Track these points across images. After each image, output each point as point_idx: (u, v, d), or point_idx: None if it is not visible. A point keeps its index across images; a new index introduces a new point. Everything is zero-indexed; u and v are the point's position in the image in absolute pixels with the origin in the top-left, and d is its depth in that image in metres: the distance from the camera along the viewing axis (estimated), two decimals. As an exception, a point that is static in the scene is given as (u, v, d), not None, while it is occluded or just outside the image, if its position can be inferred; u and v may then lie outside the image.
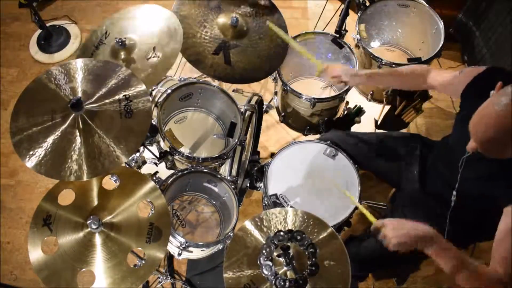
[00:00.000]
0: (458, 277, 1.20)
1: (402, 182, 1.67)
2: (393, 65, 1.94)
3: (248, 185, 1.92)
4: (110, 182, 1.40)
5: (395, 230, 1.21)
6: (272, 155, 1.73)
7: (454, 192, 1.34)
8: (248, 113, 1.80)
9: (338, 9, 2.23)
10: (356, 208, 1.60)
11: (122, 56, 1.60)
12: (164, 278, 1.96)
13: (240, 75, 1.75)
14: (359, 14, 2.09)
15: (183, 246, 1.56)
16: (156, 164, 1.75)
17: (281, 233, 1.19)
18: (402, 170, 1.67)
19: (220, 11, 1.78)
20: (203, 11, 1.76)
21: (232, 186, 1.70)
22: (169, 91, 1.72)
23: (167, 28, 1.61)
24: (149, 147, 1.68)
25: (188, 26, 1.71)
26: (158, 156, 1.68)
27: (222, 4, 1.79)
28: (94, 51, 1.64)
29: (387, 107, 2.16)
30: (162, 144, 1.73)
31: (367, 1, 2.09)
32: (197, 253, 1.67)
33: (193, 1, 1.75)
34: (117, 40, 1.57)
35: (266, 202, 1.66)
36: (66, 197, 1.33)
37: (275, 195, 1.61)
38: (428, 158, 1.62)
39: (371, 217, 1.33)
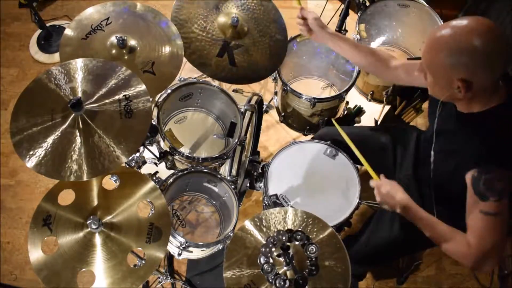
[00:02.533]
0: (431, 231, 1.29)
1: (396, 169, 1.69)
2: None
3: (248, 185, 1.93)
4: (110, 182, 1.40)
5: (383, 195, 1.39)
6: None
7: (432, 166, 1.37)
8: (248, 113, 1.80)
9: (338, 9, 2.23)
10: (356, 207, 1.60)
11: (113, 51, 1.55)
12: (164, 278, 1.96)
13: (245, 75, 1.75)
14: (359, 14, 2.09)
15: (183, 246, 1.56)
16: (156, 164, 1.75)
17: (281, 233, 1.19)
18: (397, 159, 1.69)
19: (219, 11, 1.76)
20: (202, 12, 1.74)
21: (232, 186, 1.70)
22: (169, 91, 1.72)
23: (169, 49, 1.59)
24: (149, 147, 1.68)
25: (189, 30, 1.70)
26: (158, 156, 1.68)
27: (220, 4, 1.78)
28: (90, 33, 1.57)
29: (387, 107, 2.16)
30: (162, 144, 1.73)
31: (367, 1, 2.09)
32: (197, 253, 1.67)
33: (191, 3, 1.73)
34: (117, 37, 1.53)
35: (266, 202, 1.66)
36: (66, 197, 1.33)
37: (275, 195, 1.61)
38: (421, 147, 1.63)
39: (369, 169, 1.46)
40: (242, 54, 1.74)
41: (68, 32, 1.57)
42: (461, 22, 1.09)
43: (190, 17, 1.71)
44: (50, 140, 1.27)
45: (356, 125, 2.10)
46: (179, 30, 1.64)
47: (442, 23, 2.02)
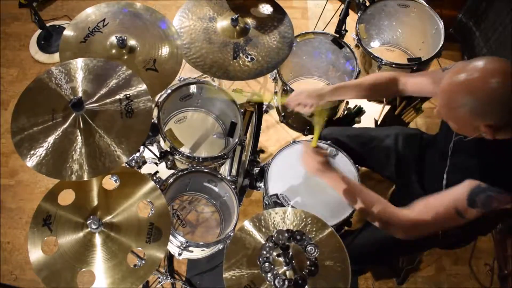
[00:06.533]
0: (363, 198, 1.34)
1: (399, 176, 1.67)
2: (393, 65, 1.95)
3: (248, 185, 1.93)
4: (110, 182, 1.40)
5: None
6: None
7: (444, 182, 1.36)
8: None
9: (338, 9, 2.23)
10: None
11: (113, 51, 1.56)
12: (164, 278, 1.96)
13: (270, 61, 1.75)
14: (359, 14, 2.09)
15: (184, 246, 1.56)
16: (156, 164, 1.75)
17: (281, 233, 1.19)
18: (400, 164, 1.67)
19: (215, 20, 1.76)
20: (201, 28, 1.74)
21: (232, 186, 1.70)
22: (169, 91, 1.72)
23: (169, 46, 1.61)
24: (150, 147, 1.68)
25: (198, 47, 1.70)
26: (158, 156, 1.68)
27: (215, 14, 1.78)
28: (88, 36, 1.58)
29: (387, 107, 2.16)
30: (162, 144, 1.73)
31: (367, 1, 2.09)
32: (197, 253, 1.67)
33: (187, 23, 1.74)
34: (117, 37, 1.53)
35: (266, 202, 1.66)
36: (66, 197, 1.33)
37: (276, 194, 1.61)
38: (426, 153, 1.62)
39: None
40: (256, 45, 1.74)
41: (66, 34, 1.57)
42: (473, 70, 1.06)
43: (192, 38, 1.71)
44: (51, 139, 1.28)
45: (356, 125, 2.10)
46: (189, 53, 1.65)
47: (442, 23, 2.02)
